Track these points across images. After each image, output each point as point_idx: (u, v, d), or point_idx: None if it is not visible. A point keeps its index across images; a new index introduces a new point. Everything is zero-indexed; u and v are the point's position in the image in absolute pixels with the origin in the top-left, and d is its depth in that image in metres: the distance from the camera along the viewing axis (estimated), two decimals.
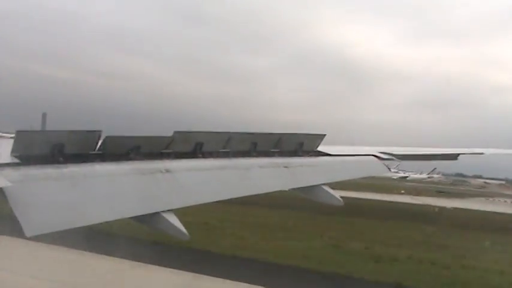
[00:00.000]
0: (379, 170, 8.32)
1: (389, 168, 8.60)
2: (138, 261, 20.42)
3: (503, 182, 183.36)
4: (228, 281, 19.80)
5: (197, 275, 20.13)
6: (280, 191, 6.47)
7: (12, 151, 4.23)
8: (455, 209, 62.99)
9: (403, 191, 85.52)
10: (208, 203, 5.37)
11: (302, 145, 7.05)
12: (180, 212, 4.77)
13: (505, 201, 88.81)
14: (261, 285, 19.78)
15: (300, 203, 30.87)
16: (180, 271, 20.35)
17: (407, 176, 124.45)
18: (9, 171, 3.99)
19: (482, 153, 10.73)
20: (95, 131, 4.77)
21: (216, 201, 5.54)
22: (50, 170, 4.30)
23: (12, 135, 5.02)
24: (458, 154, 10.18)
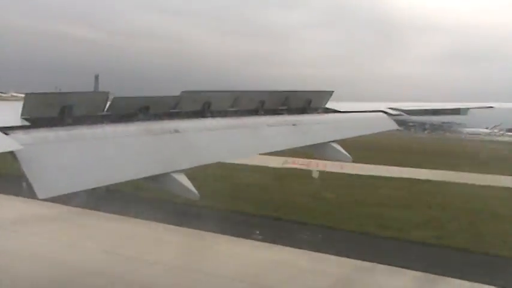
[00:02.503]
0: (388, 125, 8.28)
1: (398, 124, 8.55)
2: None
3: None
4: None
5: None
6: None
7: (22, 114, 4.23)
8: None
9: None
10: None
11: (310, 102, 7.01)
12: None
13: None
14: None
15: None
16: None
17: None
18: (19, 134, 4.02)
19: (492, 107, 10.63)
20: (102, 92, 4.75)
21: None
22: (60, 132, 4.31)
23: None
24: (469, 108, 10.10)
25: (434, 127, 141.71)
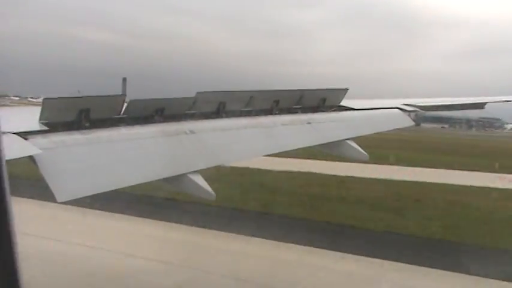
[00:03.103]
0: (403, 122, 8.23)
1: (414, 120, 8.51)
2: None
3: None
4: None
5: None
6: None
7: (40, 118, 4.29)
8: None
9: None
10: None
11: (325, 100, 6.99)
12: None
13: None
14: None
15: None
16: None
17: None
18: (38, 139, 4.07)
19: (509, 101, 10.50)
20: (119, 95, 4.80)
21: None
22: (78, 136, 4.37)
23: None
24: (485, 103, 9.99)
25: (480, 124, 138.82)
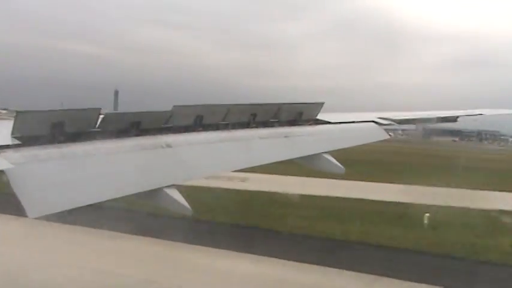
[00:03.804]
0: (379, 135, 8.33)
1: (389, 134, 8.63)
2: None
3: None
4: None
5: None
6: None
7: (13, 132, 4.20)
8: None
9: None
10: None
11: (301, 114, 7.03)
12: None
13: None
14: None
15: None
16: None
17: None
18: (10, 153, 3.98)
19: (481, 114, 10.73)
20: (94, 108, 4.73)
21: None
22: (51, 150, 4.28)
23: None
24: (458, 116, 10.19)
25: (491, 137, 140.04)
